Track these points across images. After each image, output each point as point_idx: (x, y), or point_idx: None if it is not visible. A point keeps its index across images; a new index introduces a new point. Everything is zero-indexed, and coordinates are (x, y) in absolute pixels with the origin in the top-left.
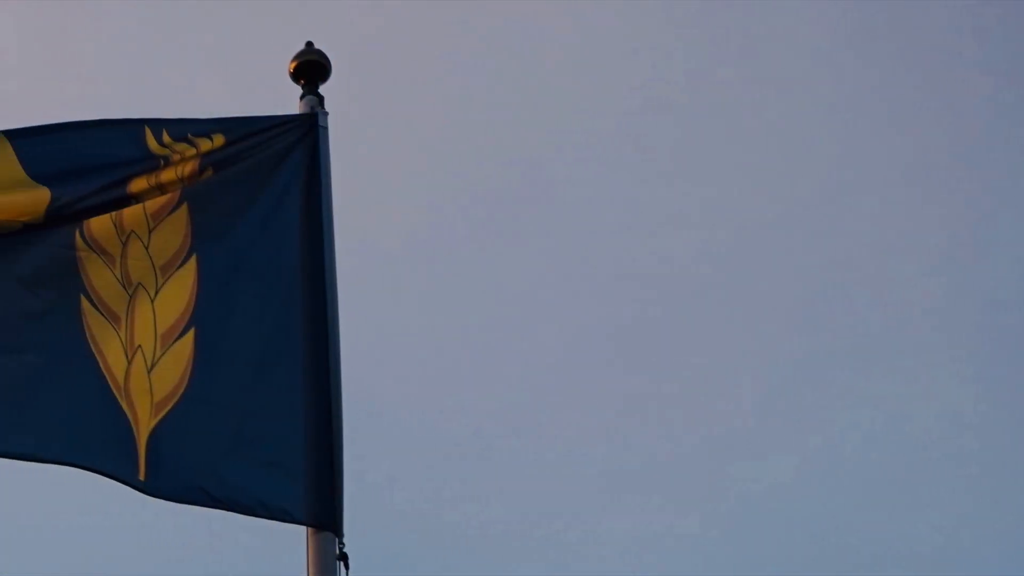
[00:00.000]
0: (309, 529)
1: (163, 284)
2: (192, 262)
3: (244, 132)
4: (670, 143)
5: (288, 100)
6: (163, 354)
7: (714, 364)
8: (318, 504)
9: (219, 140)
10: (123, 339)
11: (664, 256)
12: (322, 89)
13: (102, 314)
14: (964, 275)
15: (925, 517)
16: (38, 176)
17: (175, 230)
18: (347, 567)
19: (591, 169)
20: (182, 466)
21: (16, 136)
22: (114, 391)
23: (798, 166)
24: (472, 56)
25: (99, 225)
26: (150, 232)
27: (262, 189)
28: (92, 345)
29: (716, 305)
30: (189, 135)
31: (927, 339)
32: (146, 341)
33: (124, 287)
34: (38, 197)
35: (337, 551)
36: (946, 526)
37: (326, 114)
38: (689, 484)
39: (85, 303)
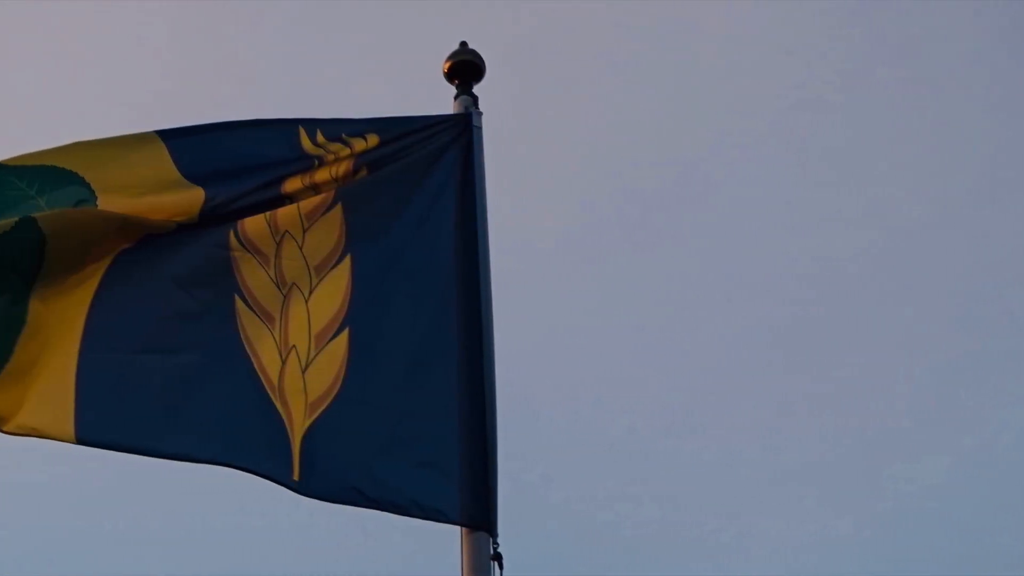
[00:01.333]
0: (463, 529)
1: (317, 284)
2: (346, 262)
3: (398, 132)
4: (826, 143)
5: (442, 100)
6: (317, 354)
7: (870, 364)
8: (473, 504)
9: (373, 140)
10: (277, 339)
11: (820, 256)
12: (476, 89)
13: (256, 314)
14: None
15: None
16: (192, 176)
17: (329, 230)
18: (501, 567)
19: (747, 169)
20: (336, 466)
21: (170, 136)
22: (268, 391)
23: (955, 165)
24: (627, 56)
25: (253, 225)
26: (304, 232)
27: (416, 189)
28: (246, 345)
29: (872, 305)
30: (343, 135)
31: None
32: (300, 341)
33: (278, 287)
34: (192, 197)
35: (491, 551)
36: None
37: (480, 114)
38: (843, 485)
39: (239, 303)
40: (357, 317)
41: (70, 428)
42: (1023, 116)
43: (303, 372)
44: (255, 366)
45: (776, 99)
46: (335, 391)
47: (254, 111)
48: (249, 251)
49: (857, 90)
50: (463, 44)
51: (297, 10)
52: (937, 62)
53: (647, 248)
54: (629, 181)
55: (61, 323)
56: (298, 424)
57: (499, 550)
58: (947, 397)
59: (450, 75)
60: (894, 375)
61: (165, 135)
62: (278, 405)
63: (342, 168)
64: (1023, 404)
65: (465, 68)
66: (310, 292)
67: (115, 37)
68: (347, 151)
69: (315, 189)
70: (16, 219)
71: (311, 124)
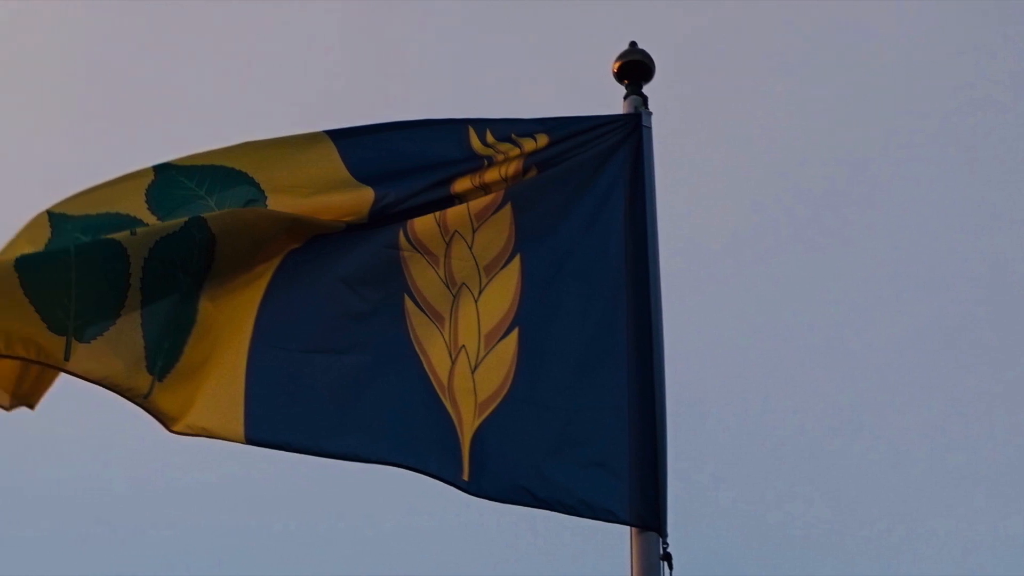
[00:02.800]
0: (633, 529)
1: (487, 284)
2: (516, 262)
3: (568, 132)
4: (995, 143)
5: (612, 100)
6: (487, 354)
7: None
8: (642, 504)
9: (543, 140)
10: (447, 339)
11: (990, 256)
12: (645, 89)
13: (426, 314)
14: None
15: None
16: (362, 176)
17: (499, 230)
18: (671, 567)
19: (916, 169)
20: (506, 466)
21: (340, 136)
22: (438, 391)
23: None
24: (796, 56)
25: (423, 225)
26: (474, 232)
27: (586, 189)
28: (416, 345)
29: None
30: (513, 135)
31: None
32: (470, 341)
33: (448, 287)
34: (362, 197)
35: (661, 551)
36: None
37: (650, 114)
38: (1013, 484)
39: (409, 303)
40: (526, 317)
41: (240, 428)
42: None
43: (473, 372)
44: (425, 366)
45: (945, 99)
46: (504, 391)
47: (423, 111)
48: (419, 251)
49: None
50: (633, 44)
51: (467, 10)
52: None
53: (816, 248)
54: (798, 181)
55: (231, 323)
56: (468, 424)
57: (668, 550)
58: None
59: (620, 75)
60: None
61: (335, 135)
62: (448, 405)
63: (512, 168)
64: None
65: (635, 68)
66: (480, 292)
67: (285, 37)
68: (517, 151)
69: (485, 189)
70: (185, 219)
71: (481, 124)
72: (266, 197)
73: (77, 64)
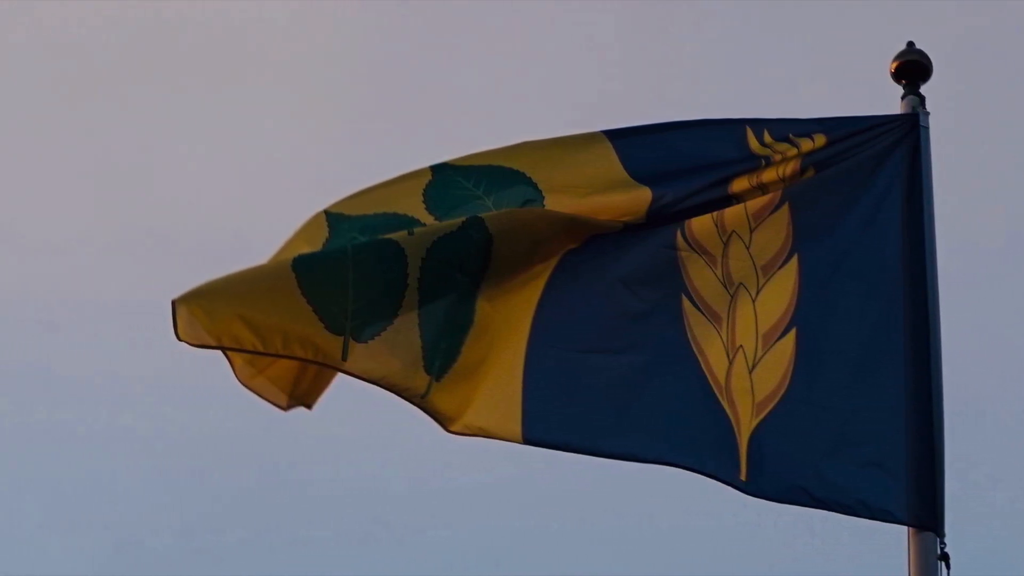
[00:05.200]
0: (910, 529)
1: (764, 284)
2: (793, 262)
3: (845, 132)
4: None
5: (889, 100)
6: (764, 354)
7: None
8: (919, 504)
9: (820, 140)
10: (724, 339)
11: None
12: (923, 89)
13: (703, 314)
14: None
15: None
16: (639, 176)
17: (776, 230)
18: (948, 567)
19: None
20: (783, 466)
21: (617, 136)
22: (715, 391)
23: None
24: None
25: (700, 225)
26: (751, 232)
27: (863, 189)
28: (693, 345)
29: None
30: (790, 135)
31: None
32: (747, 341)
33: (725, 287)
34: (639, 197)
35: (938, 551)
36: None
37: (927, 114)
38: None
39: (686, 303)
40: (804, 317)
41: (517, 428)
42: None
43: (750, 372)
44: (702, 366)
45: None
46: (782, 391)
47: (699, 111)
48: (696, 251)
49: None
50: (910, 44)
51: (744, 10)
52: None
53: None
54: None
55: (508, 323)
56: (745, 424)
57: (946, 550)
58: None
59: (897, 75)
60: None
61: (612, 135)
62: (725, 405)
63: (789, 168)
64: None
65: (912, 68)
66: (757, 292)
67: (563, 37)
68: (794, 151)
69: (762, 189)
70: (463, 219)
71: (758, 124)
72: (543, 197)
73: (354, 64)
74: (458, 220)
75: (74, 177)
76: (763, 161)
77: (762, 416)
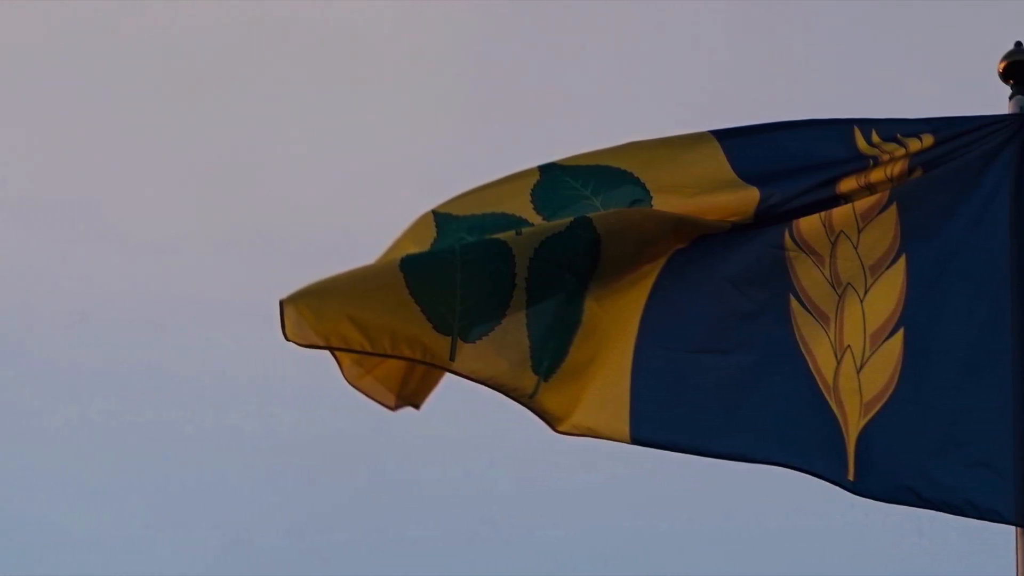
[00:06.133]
0: (1018, 529)
1: (872, 284)
2: (901, 262)
3: (953, 132)
4: None
5: (996, 100)
6: (872, 354)
7: None
8: None
9: (928, 140)
10: (832, 339)
11: None
12: None
13: (811, 314)
14: None
15: None
16: (747, 176)
17: (884, 230)
18: None
19: None
20: (891, 467)
21: (725, 136)
22: (823, 391)
23: None
24: None
25: (808, 225)
26: (859, 232)
27: (970, 189)
28: (801, 345)
29: None
30: (898, 135)
31: None
32: (855, 341)
33: (833, 287)
34: (747, 197)
35: None
36: None
37: None
38: None
39: (794, 303)
40: (912, 317)
41: (625, 428)
42: None
43: (858, 372)
44: (810, 366)
45: None
46: (890, 391)
47: (807, 111)
48: (804, 251)
49: None
50: (1018, 44)
51: (852, 9)
52: None
53: None
54: None
55: (616, 323)
56: (853, 424)
57: None
58: None
59: (1005, 75)
60: None
61: (720, 135)
62: (833, 405)
63: (897, 168)
64: None
65: (1020, 68)
66: (865, 292)
67: (672, 37)
68: (902, 151)
69: (870, 189)
70: (571, 219)
71: (866, 124)
72: (651, 197)
73: (463, 64)
74: (566, 220)
75: (182, 177)
76: (871, 161)
77: (870, 416)
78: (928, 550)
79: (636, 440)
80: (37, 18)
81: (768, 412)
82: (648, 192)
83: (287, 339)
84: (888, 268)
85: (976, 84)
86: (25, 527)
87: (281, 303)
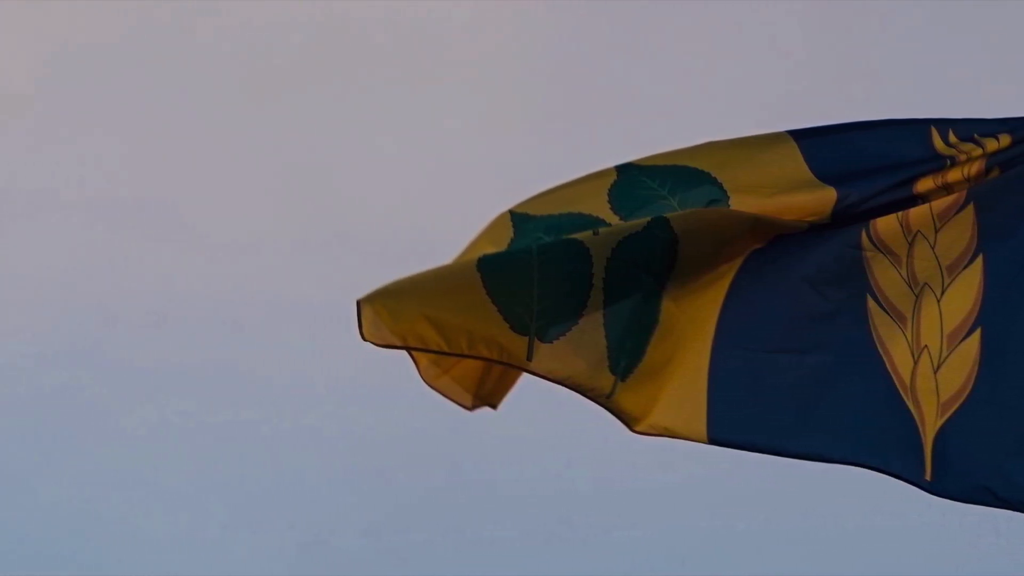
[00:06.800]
0: None
1: (949, 284)
2: (978, 262)
3: None
4: None
5: None
6: (949, 354)
7: None
8: None
9: (1005, 140)
10: (909, 339)
11: None
12: None
13: (888, 314)
14: None
15: None
16: (824, 176)
17: (961, 230)
18: None
19: None
20: (968, 467)
21: (802, 136)
22: (900, 391)
23: None
24: None
25: (885, 225)
26: (936, 232)
27: None
28: (878, 345)
29: None
30: (975, 135)
31: None
32: (932, 341)
33: (910, 287)
34: (824, 197)
35: None
36: None
37: None
38: None
39: (871, 303)
40: (989, 317)
41: (702, 428)
42: None
43: (935, 372)
44: (887, 366)
45: None
46: (967, 391)
47: (885, 111)
48: (881, 251)
49: None
50: None
51: (928, 9)
52: None
53: None
54: None
55: (693, 323)
56: (930, 424)
57: None
58: None
59: None
60: None
61: (797, 135)
62: (910, 405)
63: (974, 168)
64: None
65: None
66: (942, 292)
67: (748, 37)
68: (979, 151)
69: (947, 189)
70: (648, 219)
71: (943, 124)
72: (728, 197)
73: (539, 64)
74: (643, 220)
75: (260, 177)
76: (948, 161)
77: (947, 416)
78: (1006, 550)
79: (713, 440)
80: (114, 19)
81: (845, 412)
82: (725, 192)
83: (364, 339)
84: (965, 268)
85: None
86: (103, 528)
87: (358, 303)
